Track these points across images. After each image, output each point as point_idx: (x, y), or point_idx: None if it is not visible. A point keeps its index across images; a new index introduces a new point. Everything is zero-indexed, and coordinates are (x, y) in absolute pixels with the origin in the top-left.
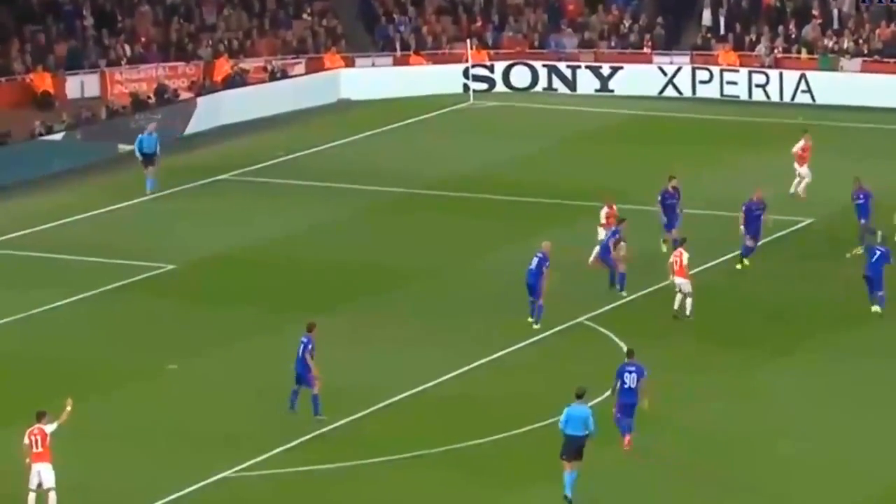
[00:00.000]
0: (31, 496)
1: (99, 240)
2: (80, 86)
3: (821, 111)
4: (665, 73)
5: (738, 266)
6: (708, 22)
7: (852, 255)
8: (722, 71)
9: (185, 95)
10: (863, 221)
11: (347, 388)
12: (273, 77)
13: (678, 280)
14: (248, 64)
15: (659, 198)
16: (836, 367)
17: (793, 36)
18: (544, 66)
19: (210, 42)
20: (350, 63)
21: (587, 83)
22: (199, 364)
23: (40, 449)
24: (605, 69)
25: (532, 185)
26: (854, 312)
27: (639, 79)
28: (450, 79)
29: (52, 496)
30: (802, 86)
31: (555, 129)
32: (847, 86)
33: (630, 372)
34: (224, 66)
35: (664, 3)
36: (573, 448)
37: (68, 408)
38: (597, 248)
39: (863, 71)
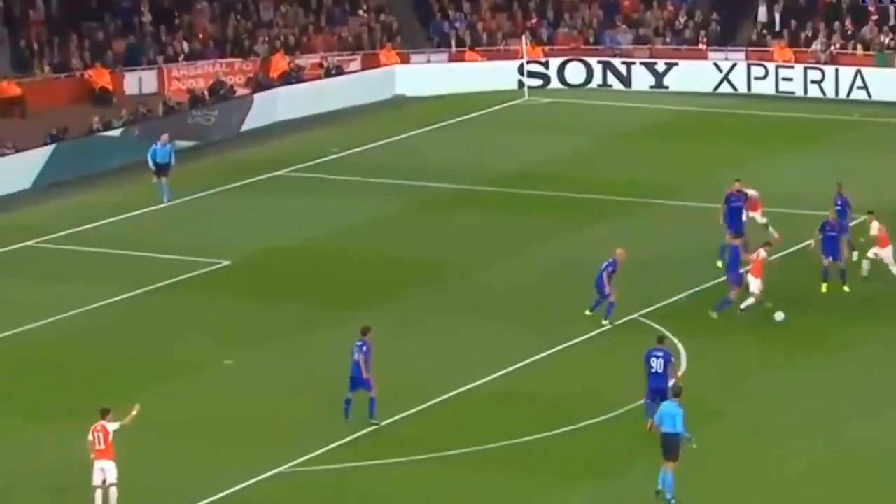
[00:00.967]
0: (98, 493)
1: (155, 236)
2: (138, 82)
3: (876, 108)
4: (720, 70)
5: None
6: (763, 18)
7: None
8: (777, 67)
9: (241, 92)
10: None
11: (396, 385)
12: (328, 73)
13: (750, 278)
14: (304, 60)
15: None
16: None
17: (849, 32)
18: (599, 62)
19: (266, 38)
20: (405, 59)
21: (642, 80)
22: (253, 358)
23: (103, 446)
24: (660, 65)
25: (586, 182)
26: None
27: (694, 75)
28: (505, 75)
29: (114, 492)
30: (858, 82)
31: (609, 125)
32: None
33: (657, 357)
34: (280, 63)
35: (720, 0)
36: (666, 445)
37: (134, 412)
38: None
39: None
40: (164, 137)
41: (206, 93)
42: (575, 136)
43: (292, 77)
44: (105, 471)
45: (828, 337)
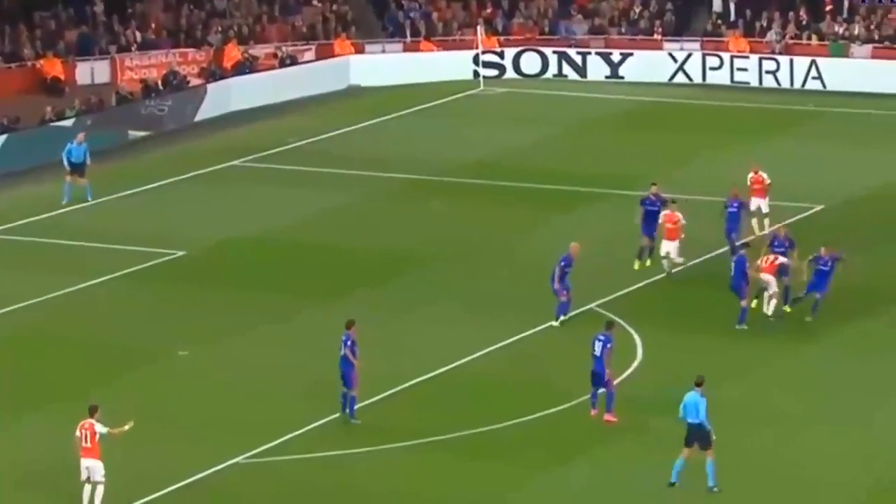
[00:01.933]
0: (86, 488)
1: (109, 226)
2: (91, 72)
3: (831, 98)
4: (675, 60)
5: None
6: (718, 8)
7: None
8: (732, 57)
9: (195, 82)
10: (733, 234)
11: (362, 372)
12: (283, 63)
13: (764, 276)
14: (258, 50)
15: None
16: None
17: (803, 22)
18: (554, 52)
19: (220, 28)
20: (360, 49)
21: (597, 70)
22: (211, 349)
23: (89, 444)
24: (616, 55)
25: (541, 172)
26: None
27: (649, 65)
28: (460, 65)
29: (100, 490)
30: (813, 72)
31: (564, 115)
32: (857, 72)
33: (600, 340)
34: (234, 53)
35: None
36: (692, 435)
37: (126, 427)
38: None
39: (873, 57)
40: (80, 136)
41: (159, 83)
42: (531, 126)
43: (246, 67)
44: (90, 469)
45: (801, 327)
